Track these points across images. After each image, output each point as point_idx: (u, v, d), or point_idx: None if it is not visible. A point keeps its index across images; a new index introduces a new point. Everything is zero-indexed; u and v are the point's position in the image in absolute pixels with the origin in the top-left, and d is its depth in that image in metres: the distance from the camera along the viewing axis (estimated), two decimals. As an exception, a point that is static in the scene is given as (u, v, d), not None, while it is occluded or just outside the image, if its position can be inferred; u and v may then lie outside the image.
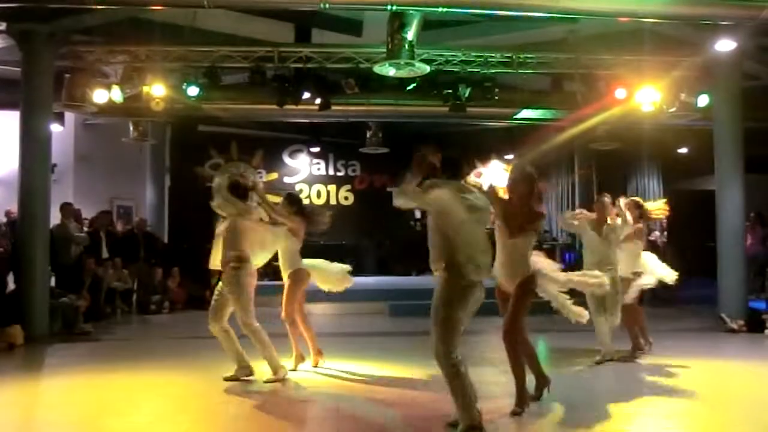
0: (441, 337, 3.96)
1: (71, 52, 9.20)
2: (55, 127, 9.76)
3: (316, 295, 11.34)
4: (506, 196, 4.84)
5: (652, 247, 9.32)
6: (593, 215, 6.59)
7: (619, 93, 9.57)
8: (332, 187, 16.17)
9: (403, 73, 8.71)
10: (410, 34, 8.00)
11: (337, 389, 5.67)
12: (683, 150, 14.04)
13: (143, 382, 5.83)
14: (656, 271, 7.03)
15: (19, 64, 8.73)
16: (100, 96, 9.22)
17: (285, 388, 5.71)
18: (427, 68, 8.77)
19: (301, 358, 6.37)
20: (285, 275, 6.33)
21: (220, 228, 6.01)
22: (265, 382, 5.73)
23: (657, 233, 12.44)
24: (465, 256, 4.02)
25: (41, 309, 8.42)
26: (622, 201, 6.68)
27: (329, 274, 6.61)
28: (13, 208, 9.57)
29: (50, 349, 7.83)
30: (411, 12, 7.84)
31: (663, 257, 8.14)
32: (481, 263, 4.08)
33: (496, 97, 10.07)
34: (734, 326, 8.71)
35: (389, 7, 7.16)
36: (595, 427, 4.40)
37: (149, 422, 4.68)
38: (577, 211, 7.00)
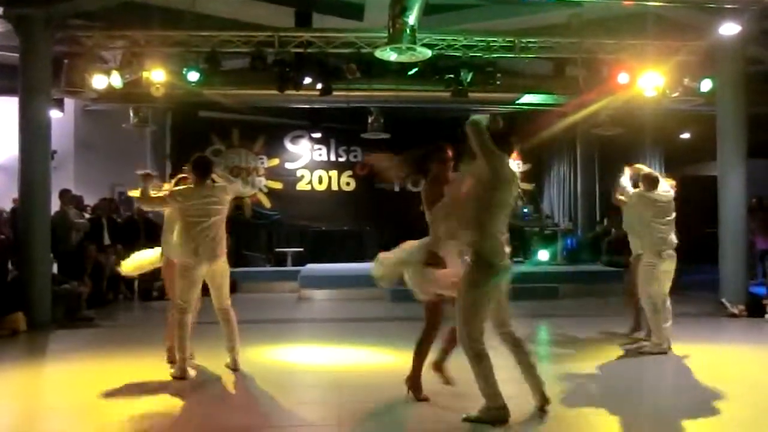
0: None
1: (69, 37, 9.14)
2: (54, 114, 9.72)
3: (317, 281, 11.48)
4: None
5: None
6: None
7: (622, 78, 9.50)
8: (333, 173, 16.11)
9: (405, 58, 8.65)
10: (412, 19, 7.93)
11: (338, 375, 5.69)
12: (686, 135, 13.98)
13: (146, 368, 5.83)
14: None
15: (17, 50, 8.68)
16: (99, 81, 9.16)
17: (284, 373, 5.73)
18: (429, 53, 8.71)
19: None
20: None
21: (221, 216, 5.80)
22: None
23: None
24: None
25: (43, 296, 8.42)
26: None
27: None
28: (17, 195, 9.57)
29: (53, 336, 7.86)
30: (412, -4, 7.77)
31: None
32: None
33: (498, 82, 9.99)
34: (735, 311, 8.72)
35: (390, -8, 7.11)
36: (590, 412, 4.42)
37: (152, 407, 4.70)
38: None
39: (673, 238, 6.38)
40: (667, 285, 6.39)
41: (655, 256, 6.32)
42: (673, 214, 6.42)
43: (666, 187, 6.54)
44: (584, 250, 14.46)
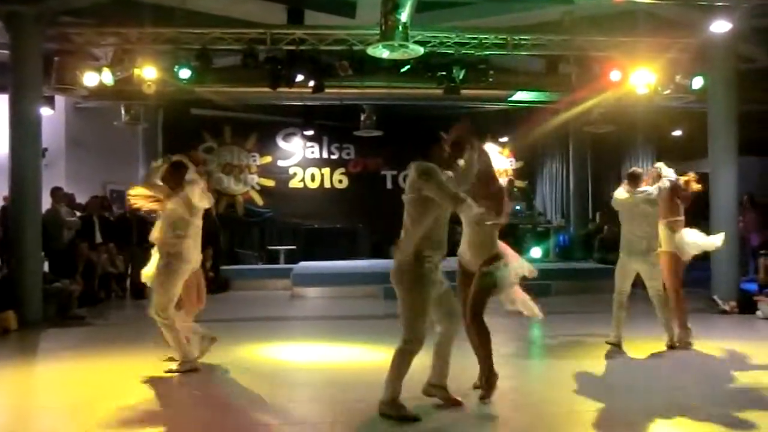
0: None
1: (60, 34, 9.09)
2: (45, 111, 9.66)
3: (309, 279, 11.47)
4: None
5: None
6: None
7: (614, 75, 9.54)
8: (326, 171, 16.11)
9: (397, 55, 8.64)
10: (404, 16, 7.92)
11: (332, 372, 5.68)
12: (678, 132, 14.04)
13: (137, 366, 5.81)
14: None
15: (7, 47, 8.62)
16: (90, 79, 9.12)
17: (277, 371, 5.73)
18: (421, 50, 8.70)
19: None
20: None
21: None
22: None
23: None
24: None
25: (35, 294, 8.38)
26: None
27: None
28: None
29: (44, 334, 7.82)
30: (405, -7, 7.76)
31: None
32: None
33: (491, 80, 10.01)
34: (726, 308, 8.77)
35: (383, -12, 7.09)
36: (581, 409, 4.43)
37: (144, 406, 4.68)
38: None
39: (645, 238, 6.26)
40: (653, 283, 6.34)
41: (624, 254, 6.38)
42: (647, 214, 6.32)
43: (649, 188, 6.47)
44: (577, 247, 14.52)
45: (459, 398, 4.47)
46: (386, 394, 4.17)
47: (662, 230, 6.53)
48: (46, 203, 9.49)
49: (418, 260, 4.16)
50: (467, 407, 4.44)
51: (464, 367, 4.79)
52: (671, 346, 6.34)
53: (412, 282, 4.16)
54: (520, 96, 11.81)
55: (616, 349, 6.30)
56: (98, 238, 10.78)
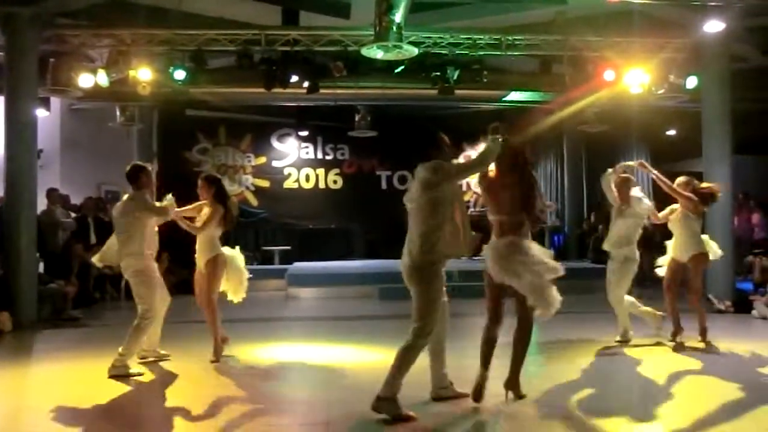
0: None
1: (55, 36, 9.10)
2: (40, 112, 9.66)
3: (304, 279, 11.47)
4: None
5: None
6: None
7: (608, 75, 9.57)
8: (321, 171, 16.11)
9: (391, 56, 8.67)
10: (398, 17, 7.94)
11: (327, 373, 5.69)
12: (672, 132, 14.09)
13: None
14: None
15: (3, 48, 8.61)
16: (85, 80, 9.12)
17: (271, 371, 5.73)
18: (415, 51, 8.72)
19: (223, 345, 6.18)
20: (203, 262, 6.12)
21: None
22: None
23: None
24: None
25: (29, 295, 8.38)
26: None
27: (236, 275, 6.39)
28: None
29: (39, 336, 7.81)
30: (399, -7, 7.79)
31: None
32: None
33: (485, 80, 10.03)
34: (722, 307, 8.80)
35: (377, -11, 7.12)
36: (578, 409, 4.45)
37: (138, 406, 4.68)
38: None
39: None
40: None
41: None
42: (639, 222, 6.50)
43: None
44: (571, 247, 14.54)
45: (465, 392, 4.54)
46: (386, 390, 4.17)
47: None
48: (42, 204, 9.48)
49: (433, 258, 4.22)
50: (463, 407, 4.45)
51: (463, 367, 4.80)
52: (674, 342, 6.42)
53: (429, 279, 4.24)
54: (514, 96, 11.84)
55: (619, 346, 6.44)
56: (93, 239, 10.75)
